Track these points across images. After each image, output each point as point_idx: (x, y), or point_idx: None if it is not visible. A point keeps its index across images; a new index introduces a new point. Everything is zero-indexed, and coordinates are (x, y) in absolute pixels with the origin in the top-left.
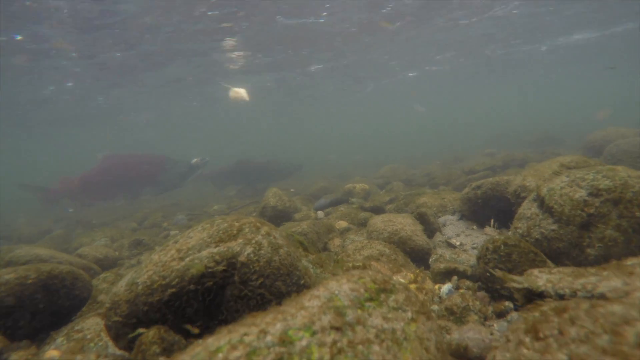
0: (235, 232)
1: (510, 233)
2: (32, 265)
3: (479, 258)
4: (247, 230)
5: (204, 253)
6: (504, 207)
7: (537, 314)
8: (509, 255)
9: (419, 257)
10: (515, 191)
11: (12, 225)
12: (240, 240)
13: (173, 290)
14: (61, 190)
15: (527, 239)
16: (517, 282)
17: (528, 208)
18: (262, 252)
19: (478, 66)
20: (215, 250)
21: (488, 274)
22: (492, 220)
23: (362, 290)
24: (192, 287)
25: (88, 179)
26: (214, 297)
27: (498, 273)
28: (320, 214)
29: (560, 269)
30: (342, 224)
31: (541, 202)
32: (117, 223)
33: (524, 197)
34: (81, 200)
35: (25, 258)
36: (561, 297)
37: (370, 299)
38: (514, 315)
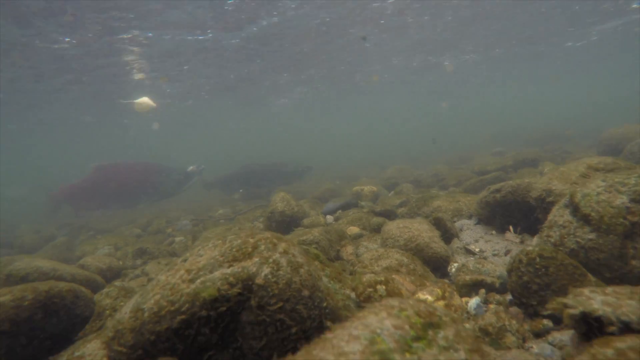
0: (250, 249)
1: (535, 240)
2: (29, 284)
3: (510, 271)
4: (263, 247)
5: (217, 274)
6: (525, 211)
7: (610, 351)
8: (545, 268)
9: (436, 266)
10: (540, 196)
11: (13, 231)
12: (256, 259)
13: (183, 317)
14: (59, 197)
15: (561, 248)
16: (572, 307)
17: (560, 215)
18: (281, 272)
19: (479, 63)
20: (228, 271)
21: (537, 308)
22: (510, 226)
23: (406, 326)
24: (204, 313)
25: (79, 189)
26: (228, 323)
27: (552, 305)
28: (329, 218)
29: (616, 288)
30: (354, 229)
31: (575, 209)
32: (121, 229)
33: (550, 202)
34: (74, 209)
35: (25, 271)
36: (626, 325)
37: (418, 338)
38: (556, 336)
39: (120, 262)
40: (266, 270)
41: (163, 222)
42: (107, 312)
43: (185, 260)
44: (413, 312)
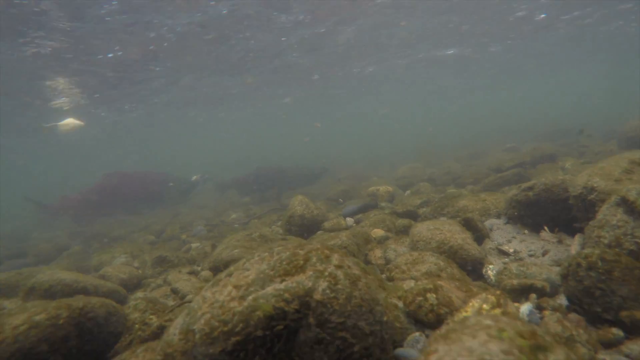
0: (301, 262)
1: (576, 240)
2: (63, 301)
3: (566, 275)
4: (315, 259)
5: (269, 290)
6: (560, 210)
7: None
8: (609, 272)
9: (471, 268)
10: (580, 194)
11: (26, 240)
12: (310, 273)
13: (237, 338)
14: (60, 207)
15: (617, 250)
16: None
17: (612, 214)
18: (340, 286)
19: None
20: (282, 286)
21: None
22: (545, 226)
23: (515, 351)
24: (259, 333)
25: (88, 196)
26: (285, 343)
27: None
28: (349, 221)
29: None
30: (378, 232)
31: (630, 208)
32: (133, 236)
33: (592, 200)
34: (81, 217)
35: (48, 283)
36: None
37: None
38: (633, 347)
39: (140, 271)
40: (323, 284)
41: (177, 228)
42: (137, 326)
43: (230, 275)
44: (514, 332)
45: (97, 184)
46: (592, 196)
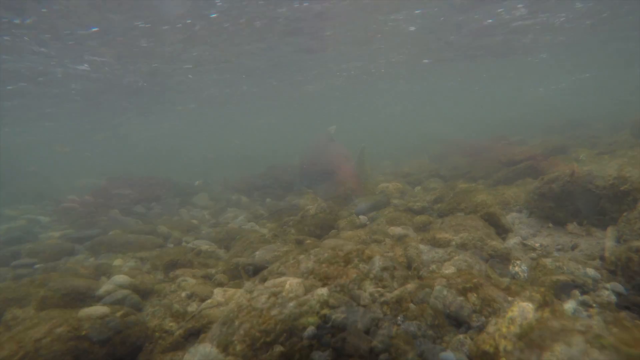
0: (342, 264)
1: (609, 232)
2: (83, 311)
3: (613, 271)
4: (356, 260)
5: (311, 296)
6: (586, 201)
7: None
8: None
9: (496, 264)
10: (612, 185)
11: (26, 243)
12: (354, 276)
13: (282, 348)
14: (69, 208)
15: None
16: None
17: None
18: (387, 289)
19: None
20: (324, 291)
21: None
22: (574, 222)
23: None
24: (305, 342)
25: (93, 198)
26: (332, 352)
27: None
28: (363, 218)
29: None
30: (396, 229)
31: None
32: (140, 240)
33: (625, 191)
34: (86, 218)
35: (61, 292)
36: None
37: None
38: None
39: (152, 276)
40: (370, 288)
41: (184, 230)
42: (157, 334)
43: (263, 280)
44: (615, 339)
45: (103, 188)
46: (625, 186)
